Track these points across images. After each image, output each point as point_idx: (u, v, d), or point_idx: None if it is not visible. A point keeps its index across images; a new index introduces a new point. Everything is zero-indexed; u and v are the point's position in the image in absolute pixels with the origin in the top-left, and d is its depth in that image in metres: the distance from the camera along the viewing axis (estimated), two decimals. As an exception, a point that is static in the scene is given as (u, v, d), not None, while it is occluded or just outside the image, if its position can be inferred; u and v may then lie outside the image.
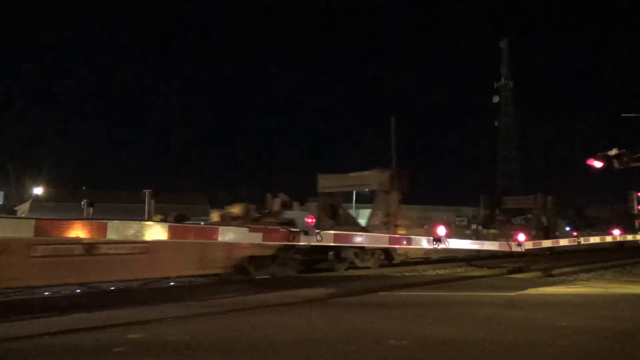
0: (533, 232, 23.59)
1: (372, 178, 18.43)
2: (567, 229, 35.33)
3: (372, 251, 16.18)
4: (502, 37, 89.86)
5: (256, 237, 7.59)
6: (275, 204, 16.94)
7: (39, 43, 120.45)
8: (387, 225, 17.12)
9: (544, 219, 27.20)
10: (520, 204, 28.98)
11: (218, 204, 60.47)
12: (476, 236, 25.06)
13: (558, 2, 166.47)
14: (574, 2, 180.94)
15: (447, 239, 10.29)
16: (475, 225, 33.85)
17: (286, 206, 16.96)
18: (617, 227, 30.18)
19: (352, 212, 49.59)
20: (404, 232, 16.78)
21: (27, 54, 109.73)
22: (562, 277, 14.29)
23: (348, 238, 10.00)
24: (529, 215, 29.52)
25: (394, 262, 17.50)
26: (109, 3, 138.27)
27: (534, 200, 27.98)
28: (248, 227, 7.56)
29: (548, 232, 25.45)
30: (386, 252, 16.87)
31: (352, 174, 18.73)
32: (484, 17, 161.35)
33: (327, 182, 19.44)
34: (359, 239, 10.00)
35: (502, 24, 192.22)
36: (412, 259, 18.51)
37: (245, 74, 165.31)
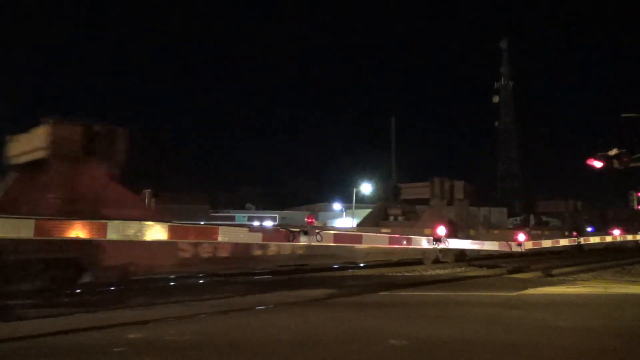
0: (427, 230, 17.66)
1: (42, 137, 10.29)
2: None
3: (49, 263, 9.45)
4: (502, 37, 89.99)
5: (256, 237, 7.59)
6: None
7: (40, 43, 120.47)
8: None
9: (450, 213, 20.64)
10: (421, 194, 21.57)
11: (218, 204, 60.72)
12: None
13: (558, 2, 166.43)
14: (574, 2, 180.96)
15: (447, 239, 10.29)
16: None
17: None
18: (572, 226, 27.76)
19: (352, 212, 49.55)
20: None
21: (27, 53, 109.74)
22: (562, 277, 14.30)
23: (348, 238, 9.99)
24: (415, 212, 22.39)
25: (81, 281, 10.21)
26: (111, 4, 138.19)
27: (432, 187, 20.36)
28: (248, 228, 7.56)
29: (456, 229, 19.57)
30: (65, 264, 9.72)
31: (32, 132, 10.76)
32: (484, 17, 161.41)
33: (17, 147, 11.23)
34: (360, 239, 9.97)
35: (502, 23, 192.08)
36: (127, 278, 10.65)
37: (245, 74, 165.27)
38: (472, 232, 20.04)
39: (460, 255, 18.94)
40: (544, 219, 32.79)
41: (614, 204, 37.74)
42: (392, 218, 21.14)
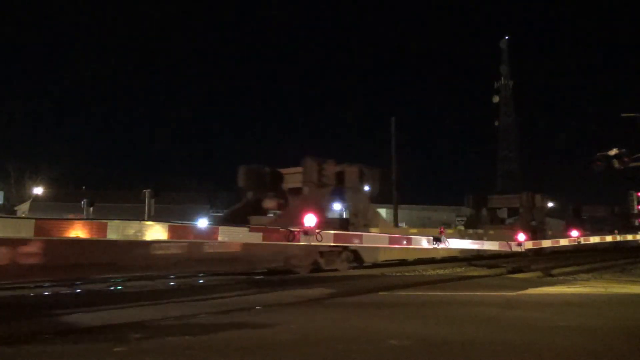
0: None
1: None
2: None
3: None
4: (502, 37, 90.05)
5: (256, 237, 7.59)
6: None
7: (39, 42, 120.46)
8: None
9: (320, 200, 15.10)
10: (295, 181, 15.92)
11: (218, 204, 60.72)
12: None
13: (558, 2, 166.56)
14: (574, 1, 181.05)
15: (447, 239, 10.30)
16: None
17: None
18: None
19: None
20: None
21: (27, 53, 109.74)
22: (562, 277, 14.29)
23: (348, 238, 10.01)
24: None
25: None
26: (111, 2, 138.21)
27: (305, 171, 15.10)
28: (248, 227, 7.57)
29: (348, 226, 15.62)
30: None
31: None
32: (484, 17, 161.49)
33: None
34: (359, 239, 9.97)
35: (502, 23, 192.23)
36: None
37: (246, 72, 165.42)
38: (373, 230, 15.39)
39: (356, 261, 15.11)
40: (502, 215, 28.63)
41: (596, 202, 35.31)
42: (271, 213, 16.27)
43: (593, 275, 15.22)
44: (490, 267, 17.69)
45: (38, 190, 49.08)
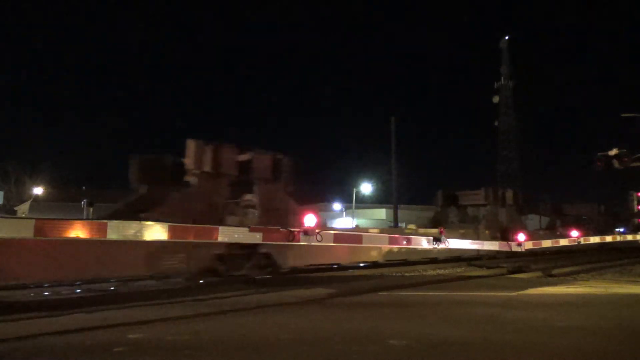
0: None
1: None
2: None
3: None
4: (502, 37, 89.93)
5: (256, 237, 7.60)
6: None
7: (38, 42, 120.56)
8: None
9: None
10: None
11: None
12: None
13: (558, 2, 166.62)
14: (574, 1, 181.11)
15: (447, 239, 10.33)
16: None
17: None
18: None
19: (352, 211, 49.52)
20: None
21: (26, 53, 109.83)
22: (562, 277, 14.28)
23: (349, 238, 10.02)
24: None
25: None
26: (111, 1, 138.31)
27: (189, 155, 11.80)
28: (248, 227, 7.58)
29: None
30: None
31: None
32: (484, 16, 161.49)
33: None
34: (360, 239, 9.99)
35: (502, 23, 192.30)
36: None
37: (242, 69, 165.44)
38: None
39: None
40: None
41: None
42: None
43: (593, 275, 15.22)
44: (490, 267, 17.67)
45: (38, 190, 49.08)
